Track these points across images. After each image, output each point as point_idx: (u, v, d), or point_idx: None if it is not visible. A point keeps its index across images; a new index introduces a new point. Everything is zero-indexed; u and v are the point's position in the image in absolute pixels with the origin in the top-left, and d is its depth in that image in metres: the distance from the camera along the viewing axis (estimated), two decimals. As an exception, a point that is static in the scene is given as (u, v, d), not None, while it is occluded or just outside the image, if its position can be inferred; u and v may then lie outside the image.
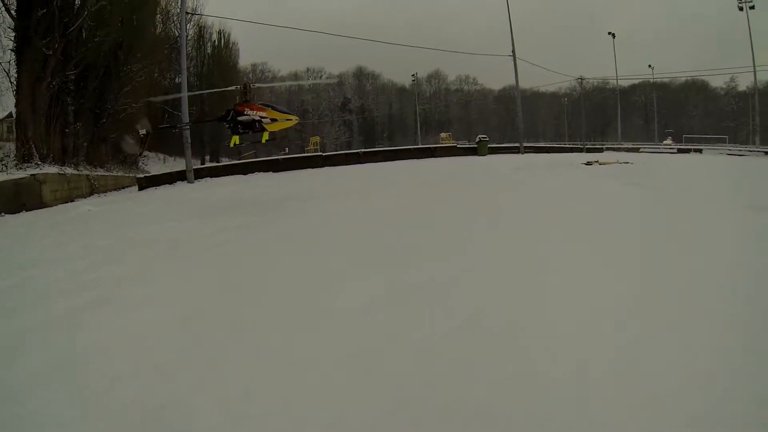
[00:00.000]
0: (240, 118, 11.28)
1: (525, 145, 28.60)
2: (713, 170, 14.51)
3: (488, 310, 3.42)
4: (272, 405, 2.50)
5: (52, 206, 13.93)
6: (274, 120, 11.45)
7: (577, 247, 4.95)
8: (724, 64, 67.12)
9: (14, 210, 12.76)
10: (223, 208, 10.24)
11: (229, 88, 12.87)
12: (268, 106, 11.77)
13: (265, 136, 11.75)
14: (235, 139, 11.67)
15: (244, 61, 57.53)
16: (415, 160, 21.60)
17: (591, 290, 3.67)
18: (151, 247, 6.51)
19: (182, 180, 18.41)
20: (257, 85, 12.14)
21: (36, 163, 15.58)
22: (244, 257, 5.67)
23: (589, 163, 15.26)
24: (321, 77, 66.71)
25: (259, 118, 11.28)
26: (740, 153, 29.41)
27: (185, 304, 4.05)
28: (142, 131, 14.25)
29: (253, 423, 2.38)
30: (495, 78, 74.45)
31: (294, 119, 12.13)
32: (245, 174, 19.75)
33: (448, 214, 7.28)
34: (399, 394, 2.48)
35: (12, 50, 16.81)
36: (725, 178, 12.40)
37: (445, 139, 39.79)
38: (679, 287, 3.65)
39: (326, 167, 20.71)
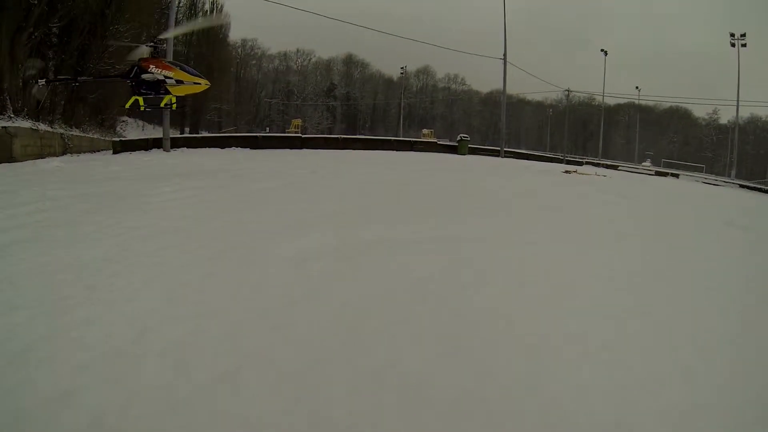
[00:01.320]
0: (144, 76, 10.25)
1: (506, 149, 28.45)
2: (691, 193, 14.69)
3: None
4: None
5: (21, 161, 13.24)
6: (180, 82, 10.46)
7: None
8: (709, 95, 68.37)
9: (-19, 161, 12.04)
10: (185, 173, 9.72)
11: (135, 44, 11.60)
12: (176, 65, 10.79)
13: (166, 100, 10.60)
14: (139, 101, 10.51)
15: (235, 35, 56.30)
16: (394, 152, 21.26)
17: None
18: (99, 198, 6.49)
19: (158, 148, 17.80)
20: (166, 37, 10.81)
21: (9, 116, 14.78)
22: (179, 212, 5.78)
23: (567, 172, 15.17)
24: (310, 60, 65.91)
25: (163, 78, 10.28)
26: (716, 183, 29.88)
27: (102, 247, 4.30)
28: (41, 81, 12.80)
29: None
30: (483, 81, 74.74)
31: (204, 83, 11.12)
32: (222, 148, 19.22)
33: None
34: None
35: None
36: (703, 200, 12.52)
37: (426, 135, 39.66)
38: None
39: (305, 149, 20.27)
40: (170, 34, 13.33)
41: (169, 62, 10.65)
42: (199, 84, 10.87)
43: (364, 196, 7.36)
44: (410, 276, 3.80)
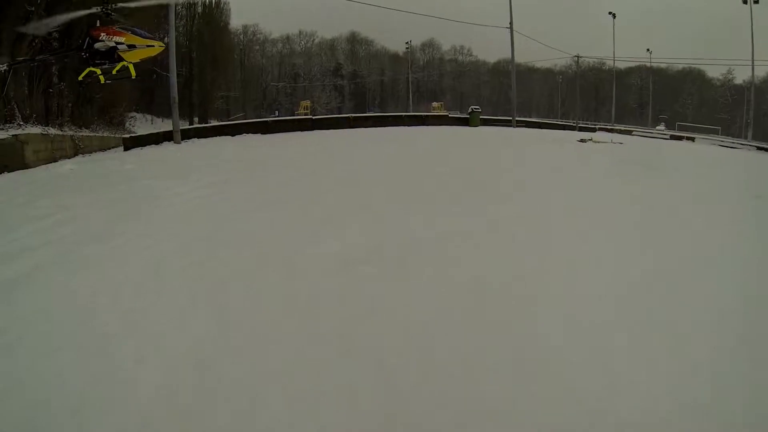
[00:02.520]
0: (96, 45, 9.71)
1: (517, 119, 28.16)
2: (713, 159, 14.26)
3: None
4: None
5: (34, 167, 13.40)
6: (132, 47, 9.92)
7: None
8: (723, 55, 66.54)
9: (-4, 171, 12.24)
10: (201, 166, 9.65)
11: (82, 12, 11.00)
12: (127, 29, 10.24)
13: (119, 66, 9.99)
14: (97, 72, 9.95)
15: (236, 22, 55.82)
16: (406, 128, 21.16)
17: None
18: (120, 205, 6.37)
19: (169, 141, 17.89)
20: (120, 4, 10.77)
21: (18, 124, 14.97)
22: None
23: (582, 141, 14.98)
24: (313, 41, 65.32)
25: (114, 45, 9.76)
26: (732, 145, 29.36)
27: (133, 263, 4.10)
28: (2, 66, 12.37)
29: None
30: (490, 50, 73.23)
31: (158, 46, 10.57)
32: (233, 135, 19.27)
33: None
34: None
35: None
36: (726, 169, 12.09)
37: (436, 108, 39.32)
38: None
39: (316, 130, 20.26)
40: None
41: (120, 27, 10.14)
42: (153, 47, 10.33)
43: (388, 181, 7.13)
44: (474, 284, 3.37)
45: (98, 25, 9.94)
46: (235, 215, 5.47)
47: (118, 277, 3.77)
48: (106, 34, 9.75)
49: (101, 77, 10.22)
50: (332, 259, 3.85)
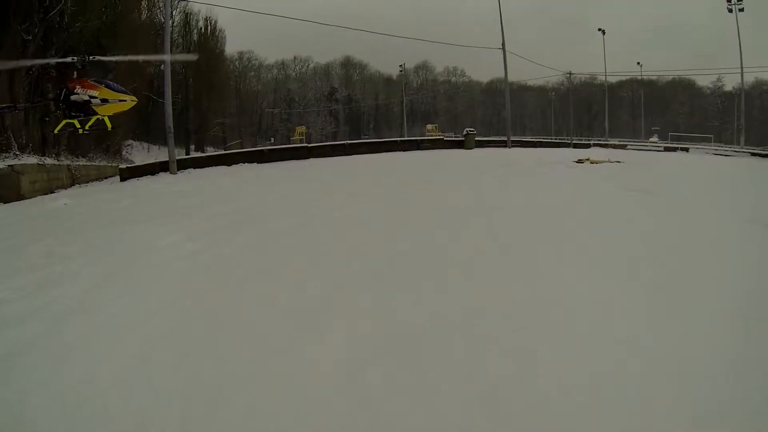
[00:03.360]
0: (72, 98, 9.66)
1: (512, 138, 28.32)
2: (712, 172, 14.18)
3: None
4: None
5: (30, 198, 13.31)
6: (105, 101, 9.85)
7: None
8: (712, 64, 67.50)
9: (-10, 203, 12.14)
10: (194, 206, 9.46)
11: (63, 59, 11.19)
12: (101, 83, 10.15)
13: (92, 121, 10.03)
14: (75, 124, 9.93)
15: (231, 48, 56.37)
16: (401, 153, 21.23)
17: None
18: (110, 258, 5.92)
19: (165, 171, 17.84)
20: (98, 58, 10.51)
21: (14, 154, 14.93)
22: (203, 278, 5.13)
23: (580, 161, 14.97)
24: (308, 66, 65.93)
25: (88, 98, 9.70)
26: (726, 153, 29.53)
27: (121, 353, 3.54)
28: None
29: None
30: (483, 70, 73.98)
31: (130, 101, 10.40)
32: (229, 165, 19.25)
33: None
34: None
35: None
36: (725, 184, 11.96)
37: (431, 131, 39.56)
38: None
39: (312, 159, 20.32)
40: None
41: (93, 81, 10.03)
42: (125, 101, 10.25)
43: (390, 237, 6.22)
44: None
45: (75, 76, 9.85)
46: (234, 281, 4.89)
47: (104, 372, 3.23)
48: (81, 87, 9.67)
49: (79, 129, 10.13)
50: (336, 366, 3.13)
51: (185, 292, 4.69)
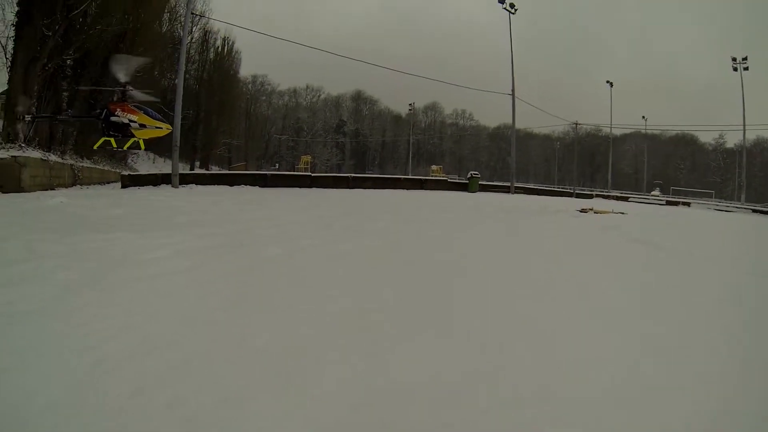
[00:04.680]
0: (112, 119, 10.89)
1: (515, 185, 28.48)
2: (716, 227, 14.19)
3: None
4: None
5: (30, 191, 13.23)
6: (143, 126, 11.08)
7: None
8: (714, 121, 68.79)
9: (-12, 190, 12.09)
10: (190, 223, 9.40)
11: (108, 88, 12.43)
12: (141, 109, 11.33)
13: (130, 143, 11.21)
14: (111, 142, 11.08)
15: (245, 71, 57.38)
16: (405, 191, 21.30)
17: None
18: (89, 261, 5.76)
19: (167, 183, 17.83)
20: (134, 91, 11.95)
21: (20, 145, 14.94)
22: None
23: (584, 210, 15.02)
24: (319, 96, 66.98)
25: (128, 122, 10.88)
26: (727, 209, 29.73)
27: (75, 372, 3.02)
28: (27, 117, 13.48)
29: None
30: (490, 115, 75.59)
31: (165, 128, 11.71)
32: (231, 185, 19.29)
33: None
34: None
35: (13, 25, 16.30)
36: (731, 240, 11.97)
37: (435, 172, 39.85)
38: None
39: (314, 188, 20.40)
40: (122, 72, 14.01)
41: (134, 106, 11.19)
42: (161, 129, 11.49)
43: (392, 283, 5.86)
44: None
45: (115, 99, 11.00)
46: (216, 311, 4.46)
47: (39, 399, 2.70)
48: (122, 111, 10.77)
49: (115, 146, 11.31)
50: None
51: (157, 313, 4.35)
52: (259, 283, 5.58)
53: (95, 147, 11.66)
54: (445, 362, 3.32)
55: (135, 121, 10.85)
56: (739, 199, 38.06)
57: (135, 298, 4.82)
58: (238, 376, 3.10)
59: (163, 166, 28.65)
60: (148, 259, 6.24)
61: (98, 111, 11.29)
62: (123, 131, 10.92)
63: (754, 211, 28.22)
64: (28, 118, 13.45)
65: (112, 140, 11.12)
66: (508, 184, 28.48)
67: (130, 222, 9.07)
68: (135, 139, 11.16)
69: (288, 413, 2.67)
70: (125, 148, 11.48)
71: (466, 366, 3.25)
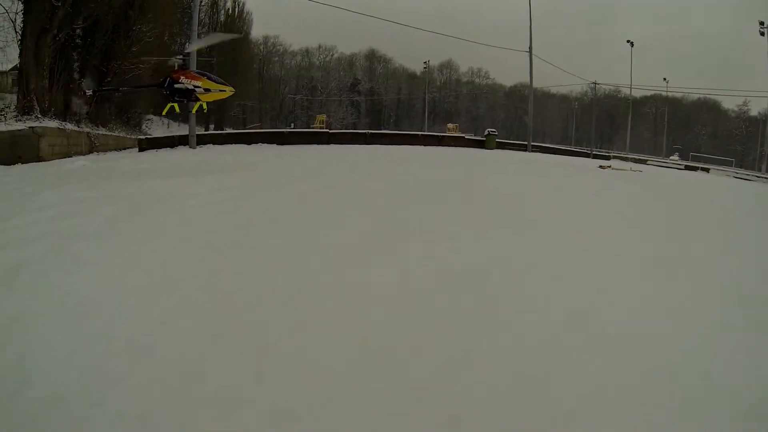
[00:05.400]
0: (176, 86, 11.53)
1: (532, 143, 28.25)
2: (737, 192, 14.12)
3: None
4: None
5: (49, 160, 13.66)
6: (207, 90, 11.69)
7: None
8: (739, 85, 66.64)
9: (10, 161, 12.44)
10: (216, 169, 9.87)
11: (167, 59, 13.89)
12: (203, 74, 12.01)
13: (197, 106, 12.10)
14: (173, 107, 11.89)
15: (257, 32, 56.57)
16: (423, 147, 21.27)
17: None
18: (127, 201, 6.04)
19: (184, 145, 18.05)
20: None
21: (36, 116, 15.19)
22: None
23: (602, 167, 15.07)
24: (332, 56, 66.07)
25: (193, 87, 11.51)
26: (747, 177, 29.26)
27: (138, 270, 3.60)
28: (88, 91, 14.64)
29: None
30: (507, 74, 73.91)
31: (228, 90, 12.28)
32: (249, 144, 19.45)
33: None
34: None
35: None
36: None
37: (451, 130, 39.46)
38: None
39: (332, 144, 20.45)
40: (194, 47, 15.37)
41: (196, 72, 12.05)
42: (225, 91, 12.14)
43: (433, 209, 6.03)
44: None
45: (176, 68, 11.99)
46: (252, 229, 4.97)
47: (116, 286, 3.28)
48: (185, 77, 11.52)
49: (177, 111, 12.26)
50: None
51: (199, 228, 4.85)
52: (304, 205, 6.00)
53: (163, 113, 12.53)
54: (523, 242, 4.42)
55: (199, 86, 11.52)
56: (759, 169, 37.32)
57: (177, 220, 5.25)
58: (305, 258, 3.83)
59: (178, 130, 28.78)
60: (181, 195, 6.50)
61: (161, 80, 11.91)
62: (188, 96, 11.63)
63: (775, 182, 27.65)
64: (89, 92, 14.56)
65: (176, 105, 11.85)
66: (524, 142, 28.25)
67: (159, 172, 9.46)
68: (200, 102, 11.89)
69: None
70: (194, 111, 12.60)
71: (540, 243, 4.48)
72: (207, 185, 7.33)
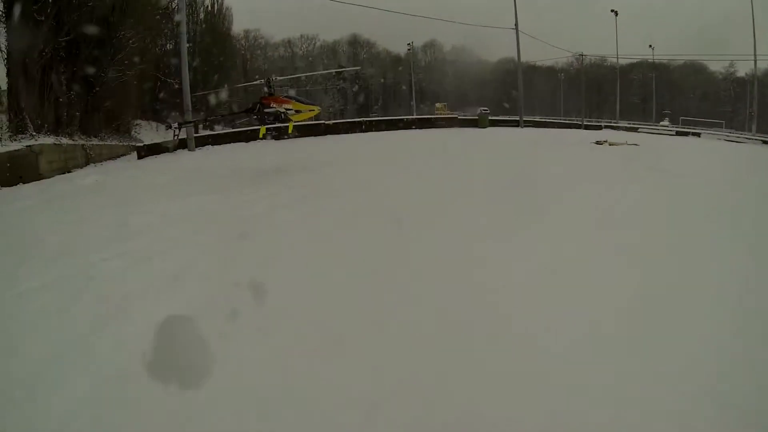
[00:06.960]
0: (267, 110, 12.36)
1: (524, 118, 28.32)
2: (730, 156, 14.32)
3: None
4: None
5: (49, 177, 13.60)
6: (298, 111, 12.55)
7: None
8: (725, 49, 66.49)
9: (11, 182, 12.42)
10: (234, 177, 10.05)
11: (254, 83, 15.50)
12: (291, 98, 12.83)
13: (291, 127, 13.20)
14: (263, 130, 12.73)
15: (238, 27, 55.67)
16: (418, 131, 21.29)
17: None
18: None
19: (183, 148, 18.01)
20: (278, 78, 13.56)
21: (31, 134, 15.09)
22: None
23: (599, 143, 15.13)
24: (315, 44, 65.38)
25: (284, 111, 12.37)
26: (738, 140, 29.50)
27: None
28: (174, 124, 14.69)
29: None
30: (492, 49, 73.23)
31: (316, 109, 13.39)
32: (247, 142, 19.43)
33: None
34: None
35: (2, 17, 15.92)
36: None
37: (440, 110, 39.43)
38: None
39: (329, 135, 20.47)
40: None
41: (285, 96, 12.82)
42: (313, 110, 13.16)
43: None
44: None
45: (265, 93, 12.75)
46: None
47: None
48: (275, 103, 12.38)
49: (269, 135, 13.48)
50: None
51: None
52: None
53: (260, 136, 13.18)
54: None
55: (291, 109, 12.42)
56: (749, 130, 37.53)
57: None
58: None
59: (166, 134, 28.54)
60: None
61: (251, 105, 12.88)
62: (278, 119, 12.60)
63: (764, 142, 27.90)
64: (175, 125, 14.37)
65: (263, 128, 12.68)
66: (516, 118, 28.33)
67: (182, 183, 9.53)
68: (292, 123, 12.87)
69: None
70: (290, 132, 13.82)
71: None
72: (268, 198, 7.48)
